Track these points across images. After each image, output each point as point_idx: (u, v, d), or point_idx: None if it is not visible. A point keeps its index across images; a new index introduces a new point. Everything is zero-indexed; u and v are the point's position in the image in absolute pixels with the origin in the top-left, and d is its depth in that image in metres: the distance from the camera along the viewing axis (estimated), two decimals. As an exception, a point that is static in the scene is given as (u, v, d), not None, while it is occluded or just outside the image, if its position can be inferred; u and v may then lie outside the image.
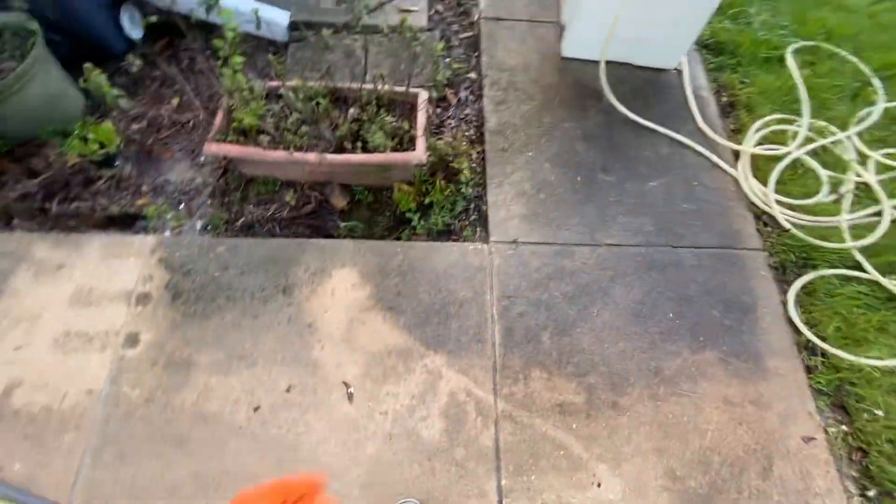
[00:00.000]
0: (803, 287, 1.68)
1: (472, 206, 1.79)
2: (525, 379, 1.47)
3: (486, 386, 1.45)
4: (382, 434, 1.37)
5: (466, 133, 1.95)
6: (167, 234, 1.67)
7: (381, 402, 1.41)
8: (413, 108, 1.71)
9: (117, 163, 1.78)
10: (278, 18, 2.02)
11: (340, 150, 1.61)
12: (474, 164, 1.85)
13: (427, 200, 1.70)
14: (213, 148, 1.54)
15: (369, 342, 1.50)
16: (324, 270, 1.61)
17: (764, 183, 1.86)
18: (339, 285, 1.58)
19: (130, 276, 1.57)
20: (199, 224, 1.70)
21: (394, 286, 1.59)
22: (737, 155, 1.96)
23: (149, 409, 1.37)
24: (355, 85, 1.66)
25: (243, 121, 1.52)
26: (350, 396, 1.42)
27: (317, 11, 2.16)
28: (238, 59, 1.48)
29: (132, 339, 1.47)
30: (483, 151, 1.89)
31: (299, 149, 1.55)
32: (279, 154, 1.51)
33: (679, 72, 2.14)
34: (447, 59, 2.12)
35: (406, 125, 1.62)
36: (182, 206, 1.73)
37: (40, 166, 1.71)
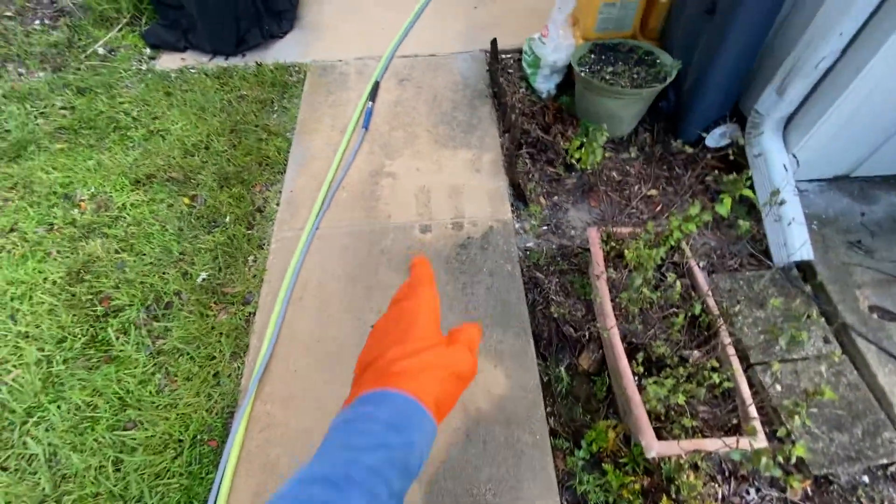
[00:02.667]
0: None
1: (622, 537, 1.33)
2: None
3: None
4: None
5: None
6: (516, 225, 1.97)
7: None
8: (731, 429, 1.28)
9: (572, 173, 2.12)
10: (794, 245, 1.71)
11: (634, 349, 1.43)
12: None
13: (608, 478, 1.36)
14: (591, 233, 1.63)
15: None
16: (502, 355, 1.61)
17: None
18: (485, 377, 1.57)
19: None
20: (529, 244, 1.92)
21: (488, 438, 1.46)
22: None
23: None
24: (732, 356, 1.34)
25: (629, 294, 1.50)
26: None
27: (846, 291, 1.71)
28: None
29: (426, 229, 1.95)
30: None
31: (624, 315, 1.46)
32: (604, 304, 1.46)
33: None
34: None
35: (692, 423, 1.26)
36: (546, 225, 1.97)
37: (554, 131, 2.23)
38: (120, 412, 1.53)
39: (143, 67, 2.67)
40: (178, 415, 1.52)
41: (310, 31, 2.86)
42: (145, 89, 2.52)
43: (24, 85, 2.58)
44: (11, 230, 1.98)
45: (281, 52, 2.73)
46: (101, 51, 2.77)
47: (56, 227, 1.98)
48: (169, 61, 2.70)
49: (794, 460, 1.18)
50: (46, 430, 1.50)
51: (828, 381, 1.58)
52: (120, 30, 2.87)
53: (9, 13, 3.11)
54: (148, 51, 2.76)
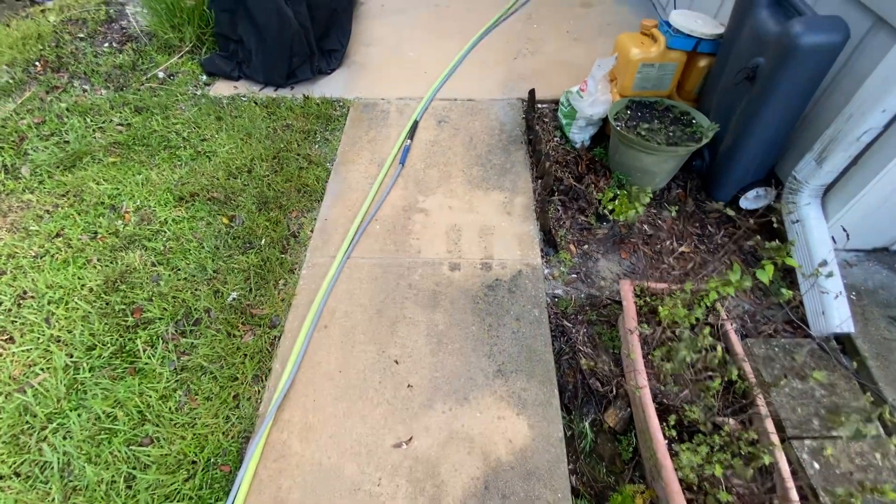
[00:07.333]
0: None
1: None
2: None
3: None
4: (360, 481, 1.42)
5: None
6: (545, 270, 1.97)
7: (390, 478, 1.43)
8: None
9: (604, 223, 2.13)
10: (834, 317, 1.66)
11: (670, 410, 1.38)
12: None
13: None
14: (625, 285, 1.62)
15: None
16: (525, 403, 1.57)
17: None
18: (507, 426, 1.53)
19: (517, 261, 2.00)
20: (558, 291, 1.91)
21: (507, 492, 1.40)
22: None
23: (404, 288, 1.88)
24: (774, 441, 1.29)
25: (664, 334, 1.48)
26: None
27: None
28: (695, 315, 1.39)
29: (455, 267, 1.96)
30: None
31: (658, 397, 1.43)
32: (636, 361, 1.44)
33: None
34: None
35: (728, 498, 1.19)
36: (575, 273, 1.96)
37: (587, 181, 2.25)
38: (138, 426, 1.52)
39: (198, 92, 2.83)
40: (194, 435, 1.51)
41: (356, 69, 3.01)
42: (198, 112, 2.66)
43: (87, 100, 2.75)
44: (57, 235, 2.06)
45: (327, 87, 2.87)
46: (161, 74, 2.96)
47: (100, 235, 2.05)
48: (222, 88, 2.86)
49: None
50: (64, 437, 1.50)
51: (870, 464, 1.49)
52: (181, 57, 3.07)
53: (81, 34, 3.37)
54: (204, 77, 2.94)
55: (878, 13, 1.60)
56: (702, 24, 2.10)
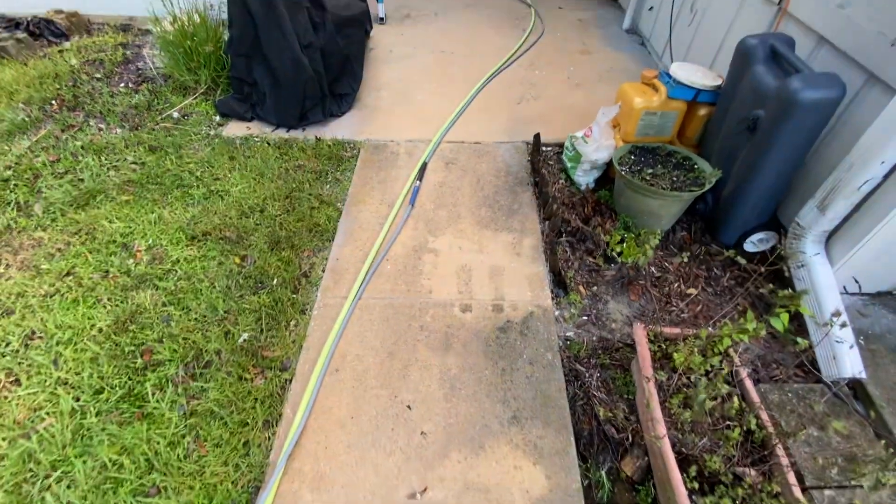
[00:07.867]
0: None
1: None
2: None
3: None
4: None
5: None
6: (556, 312, 1.98)
7: None
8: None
9: (612, 265, 2.16)
10: (846, 363, 1.67)
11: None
12: None
13: None
14: (638, 330, 1.63)
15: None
16: (542, 452, 1.54)
17: None
18: (524, 476, 1.50)
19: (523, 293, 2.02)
20: (569, 334, 1.91)
21: (531, 544, 1.36)
22: None
23: (416, 330, 1.88)
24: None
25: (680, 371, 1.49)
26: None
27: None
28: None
29: (466, 308, 1.97)
30: None
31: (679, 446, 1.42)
32: (654, 410, 1.44)
33: None
34: None
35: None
36: (586, 315, 1.97)
37: (594, 222, 2.30)
38: (145, 475, 1.48)
39: (212, 133, 2.90)
40: (203, 484, 1.47)
41: (367, 112, 3.11)
42: (211, 152, 2.71)
43: (102, 139, 2.81)
44: (68, 274, 2.06)
45: (338, 129, 2.95)
46: (175, 115, 3.04)
47: (111, 274, 2.06)
48: (235, 129, 2.94)
49: None
50: (68, 486, 1.45)
51: (891, 516, 1.47)
52: (195, 98, 3.16)
53: (98, 75, 3.47)
54: (218, 118, 3.02)
55: (872, 70, 1.70)
56: (701, 76, 2.21)
